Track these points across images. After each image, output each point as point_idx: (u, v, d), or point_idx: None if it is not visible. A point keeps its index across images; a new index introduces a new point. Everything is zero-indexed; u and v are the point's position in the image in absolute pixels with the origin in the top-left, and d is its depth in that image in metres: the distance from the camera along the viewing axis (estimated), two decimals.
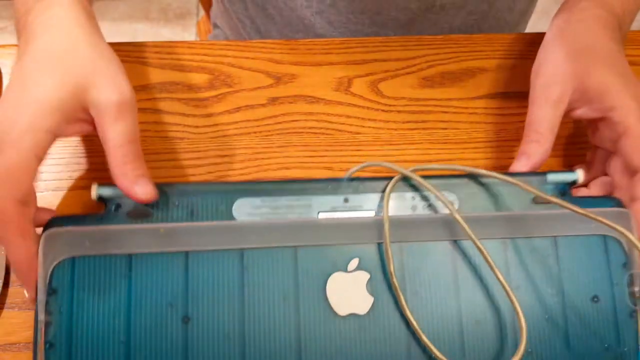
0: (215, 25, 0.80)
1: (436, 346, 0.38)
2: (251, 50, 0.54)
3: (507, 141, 0.51)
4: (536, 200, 0.42)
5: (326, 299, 0.39)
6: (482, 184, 0.42)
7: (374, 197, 0.41)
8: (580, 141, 0.51)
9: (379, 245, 0.40)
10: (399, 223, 0.41)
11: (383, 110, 0.52)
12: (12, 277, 0.43)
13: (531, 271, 0.40)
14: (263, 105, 0.51)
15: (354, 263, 0.40)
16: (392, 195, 0.41)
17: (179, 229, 0.39)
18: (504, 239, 0.41)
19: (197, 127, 0.50)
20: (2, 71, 0.52)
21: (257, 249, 0.40)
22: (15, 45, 0.52)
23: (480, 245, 0.39)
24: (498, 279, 0.38)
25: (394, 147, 0.50)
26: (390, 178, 0.42)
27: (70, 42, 0.40)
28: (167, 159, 0.49)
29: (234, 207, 0.40)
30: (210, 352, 0.38)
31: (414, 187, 0.42)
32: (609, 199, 0.43)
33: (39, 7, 0.41)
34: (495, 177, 0.41)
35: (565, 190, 0.43)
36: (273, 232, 0.40)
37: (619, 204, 0.42)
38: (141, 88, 0.51)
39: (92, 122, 0.40)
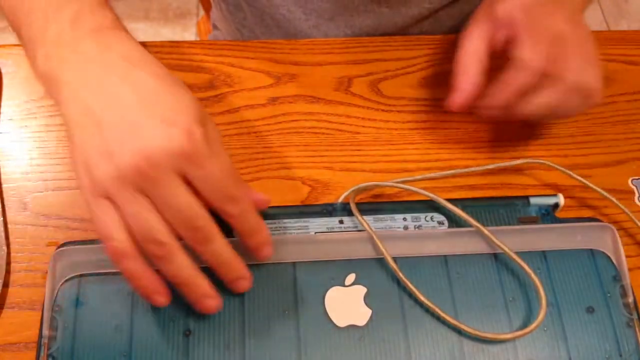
0: (215, 26, 0.80)
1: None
2: (251, 50, 0.54)
3: (507, 141, 0.51)
4: (522, 220, 0.44)
5: (325, 311, 0.39)
6: (468, 205, 0.44)
7: (368, 219, 0.43)
8: (580, 141, 0.51)
9: (375, 259, 0.41)
10: (395, 238, 0.42)
11: (383, 110, 0.52)
12: (12, 277, 0.43)
13: (523, 284, 0.41)
14: (263, 105, 0.51)
15: (351, 277, 0.41)
16: (386, 216, 0.43)
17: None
18: (495, 254, 0.42)
19: None
20: (2, 71, 0.52)
21: (257, 265, 0.40)
22: (15, 45, 0.52)
23: (515, 257, 0.41)
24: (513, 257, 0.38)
25: (394, 147, 0.50)
26: (384, 202, 0.44)
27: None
28: None
29: None
30: None
31: (407, 209, 0.44)
32: (591, 218, 0.45)
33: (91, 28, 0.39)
34: (451, 210, 0.43)
35: (548, 211, 0.44)
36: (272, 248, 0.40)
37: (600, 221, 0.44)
38: None
39: None
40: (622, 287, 0.41)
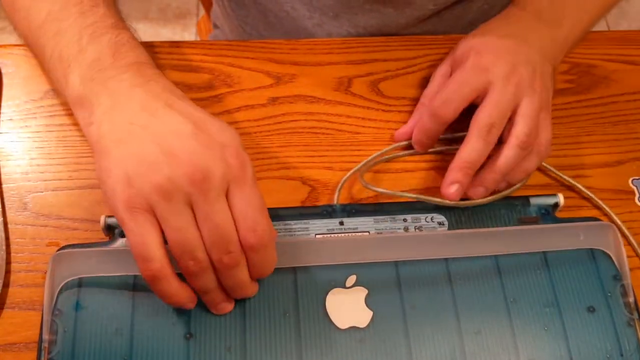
0: (216, 26, 0.80)
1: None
2: (251, 50, 0.54)
3: None
4: (522, 220, 0.44)
5: (326, 313, 0.39)
6: (469, 205, 0.44)
7: (369, 220, 0.43)
8: (580, 141, 0.51)
9: (377, 261, 0.41)
10: (395, 241, 0.42)
11: (383, 110, 0.52)
12: (12, 277, 0.43)
13: (525, 284, 0.41)
14: (263, 105, 0.51)
15: (352, 279, 0.40)
16: (386, 217, 0.43)
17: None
18: (496, 255, 0.42)
19: None
20: (2, 71, 0.51)
21: None
22: (15, 45, 0.52)
23: None
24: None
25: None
26: (384, 203, 0.45)
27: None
28: None
29: None
30: None
31: (407, 209, 0.44)
32: (590, 218, 0.45)
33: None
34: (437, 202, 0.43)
35: (548, 211, 0.44)
36: None
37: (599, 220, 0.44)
38: None
39: None
40: (623, 286, 0.41)
